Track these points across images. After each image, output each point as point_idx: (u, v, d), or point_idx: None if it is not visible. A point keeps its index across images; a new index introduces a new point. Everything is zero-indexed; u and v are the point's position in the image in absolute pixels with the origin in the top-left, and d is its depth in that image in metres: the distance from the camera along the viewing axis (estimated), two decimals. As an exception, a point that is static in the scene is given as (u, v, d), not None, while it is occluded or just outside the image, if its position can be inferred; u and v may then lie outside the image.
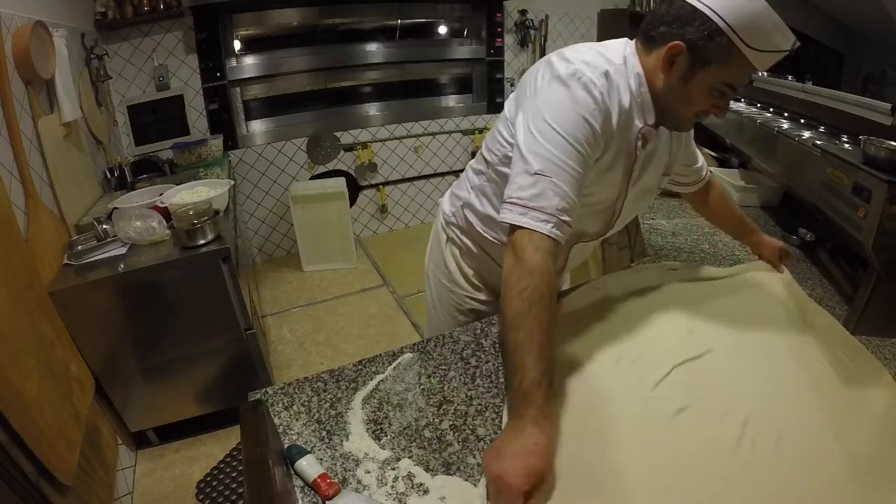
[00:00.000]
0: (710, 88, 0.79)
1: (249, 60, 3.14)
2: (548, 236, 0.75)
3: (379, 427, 0.79)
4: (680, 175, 1.12)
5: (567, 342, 0.96)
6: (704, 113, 0.84)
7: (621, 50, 0.85)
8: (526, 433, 0.65)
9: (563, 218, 0.76)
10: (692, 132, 1.06)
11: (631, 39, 0.87)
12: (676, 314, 1.02)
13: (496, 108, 3.81)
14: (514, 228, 0.77)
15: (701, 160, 1.14)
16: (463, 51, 3.64)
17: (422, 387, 0.87)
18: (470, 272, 1.15)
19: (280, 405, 0.84)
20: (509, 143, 0.90)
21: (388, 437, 0.77)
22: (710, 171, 1.18)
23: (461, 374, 0.89)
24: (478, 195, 1.05)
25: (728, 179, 1.75)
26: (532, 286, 0.72)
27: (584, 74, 0.78)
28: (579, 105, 0.77)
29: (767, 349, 0.93)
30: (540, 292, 0.72)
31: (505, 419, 0.78)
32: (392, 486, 0.68)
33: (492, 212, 1.02)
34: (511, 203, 0.77)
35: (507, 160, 0.89)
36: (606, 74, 0.80)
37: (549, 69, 0.82)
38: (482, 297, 1.16)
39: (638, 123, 0.85)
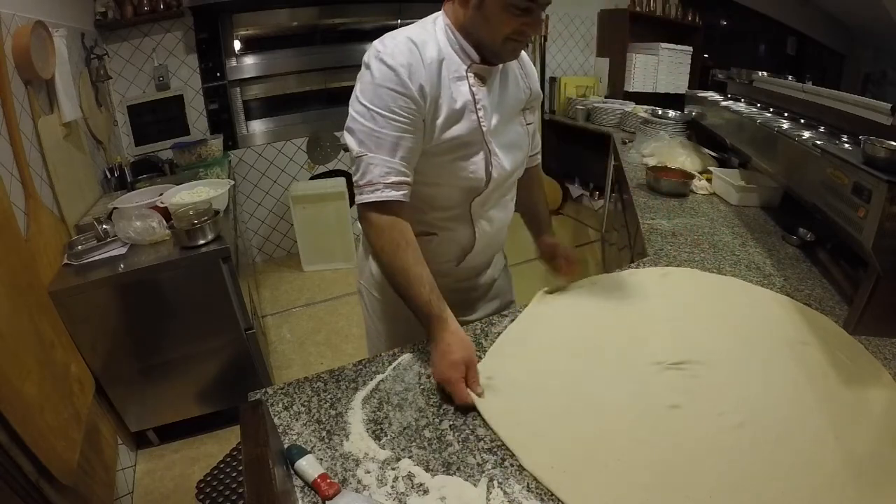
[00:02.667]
0: (506, 6, 0.82)
1: (249, 60, 3.14)
2: (380, 201, 0.87)
3: (379, 427, 0.78)
4: None
5: (560, 342, 0.96)
6: (519, 34, 0.86)
7: (433, 16, 0.95)
8: (437, 340, 0.84)
9: (388, 181, 0.86)
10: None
11: None
12: (674, 316, 1.03)
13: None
14: (360, 206, 0.90)
15: (537, 142, 1.19)
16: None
17: (422, 387, 0.87)
18: None
19: (280, 405, 0.84)
20: None
21: (388, 437, 0.77)
22: (538, 161, 1.23)
23: (461, 374, 0.89)
24: None
25: (728, 179, 1.75)
26: (388, 239, 0.88)
27: (379, 52, 0.86)
28: (382, 78, 0.85)
29: (767, 351, 0.93)
30: (397, 241, 0.87)
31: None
32: (392, 486, 0.68)
33: None
34: (354, 187, 0.90)
35: None
36: (408, 39, 0.87)
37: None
38: None
39: (464, 64, 0.91)
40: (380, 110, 0.85)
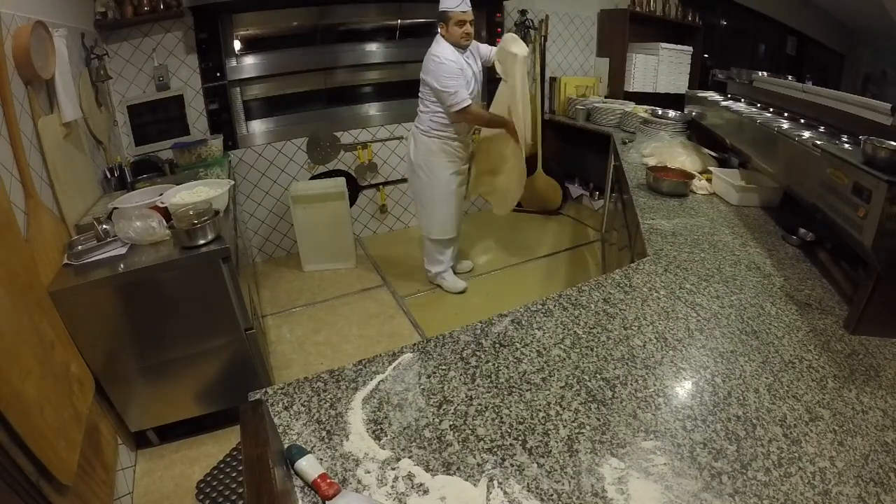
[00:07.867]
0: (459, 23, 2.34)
1: (249, 60, 3.14)
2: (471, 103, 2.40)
3: (379, 427, 0.79)
4: None
5: None
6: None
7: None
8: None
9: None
10: None
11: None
12: None
13: (496, 108, 3.81)
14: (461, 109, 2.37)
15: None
16: (463, 51, 3.63)
17: (422, 387, 0.87)
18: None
19: (280, 405, 0.84)
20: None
21: (388, 437, 0.77)
22: None
23: (461, 374, 0.89)
24: (432, 116, 2.50)
25: (728, 179, 1.75)
26: (485, 115, 2.58)
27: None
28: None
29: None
30: (488, 114, 2.61)
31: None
32: (392, 486, 0.68)
33: (442, 119, 2.49)
34: (454, 103, 2.34)
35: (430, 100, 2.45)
36: None
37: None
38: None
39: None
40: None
